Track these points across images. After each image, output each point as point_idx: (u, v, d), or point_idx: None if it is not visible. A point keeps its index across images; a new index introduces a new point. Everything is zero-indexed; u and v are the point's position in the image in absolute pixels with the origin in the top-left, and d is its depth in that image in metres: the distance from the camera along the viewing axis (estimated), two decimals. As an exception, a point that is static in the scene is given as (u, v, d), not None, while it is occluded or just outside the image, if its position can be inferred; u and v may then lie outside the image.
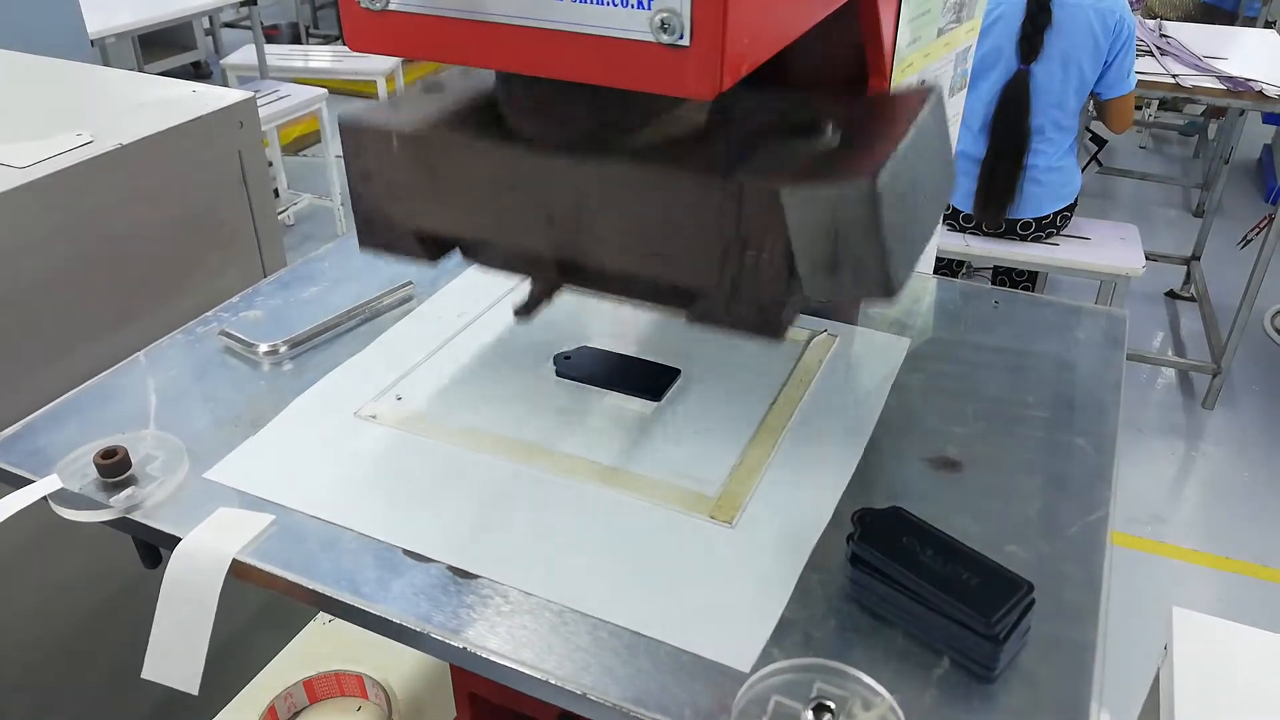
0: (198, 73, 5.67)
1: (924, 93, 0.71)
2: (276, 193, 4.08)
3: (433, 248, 0.75)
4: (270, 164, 4.07)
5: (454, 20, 0.61)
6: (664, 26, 0.56)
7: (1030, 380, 0.88)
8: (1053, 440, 0.80)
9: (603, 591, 0.65)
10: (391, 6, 0.63)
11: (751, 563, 0.68)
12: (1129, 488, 2.79)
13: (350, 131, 0.72)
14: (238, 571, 0.68)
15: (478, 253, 0.78)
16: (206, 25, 5.74)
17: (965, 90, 1.13)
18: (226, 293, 1.06)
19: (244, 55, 4.41)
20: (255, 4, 4.11)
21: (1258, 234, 3.10)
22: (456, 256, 0.78)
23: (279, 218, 3.90)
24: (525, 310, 0.74)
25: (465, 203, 0.71)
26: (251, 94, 1.38)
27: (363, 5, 0.64)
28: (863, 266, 0.60)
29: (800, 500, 0.73)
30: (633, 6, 0.56)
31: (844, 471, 0.76)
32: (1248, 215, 4.23)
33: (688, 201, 0.64)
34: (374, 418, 0.83)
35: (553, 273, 0.71)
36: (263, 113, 3.64)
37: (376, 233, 0.76)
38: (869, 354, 0.92)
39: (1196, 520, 2.76)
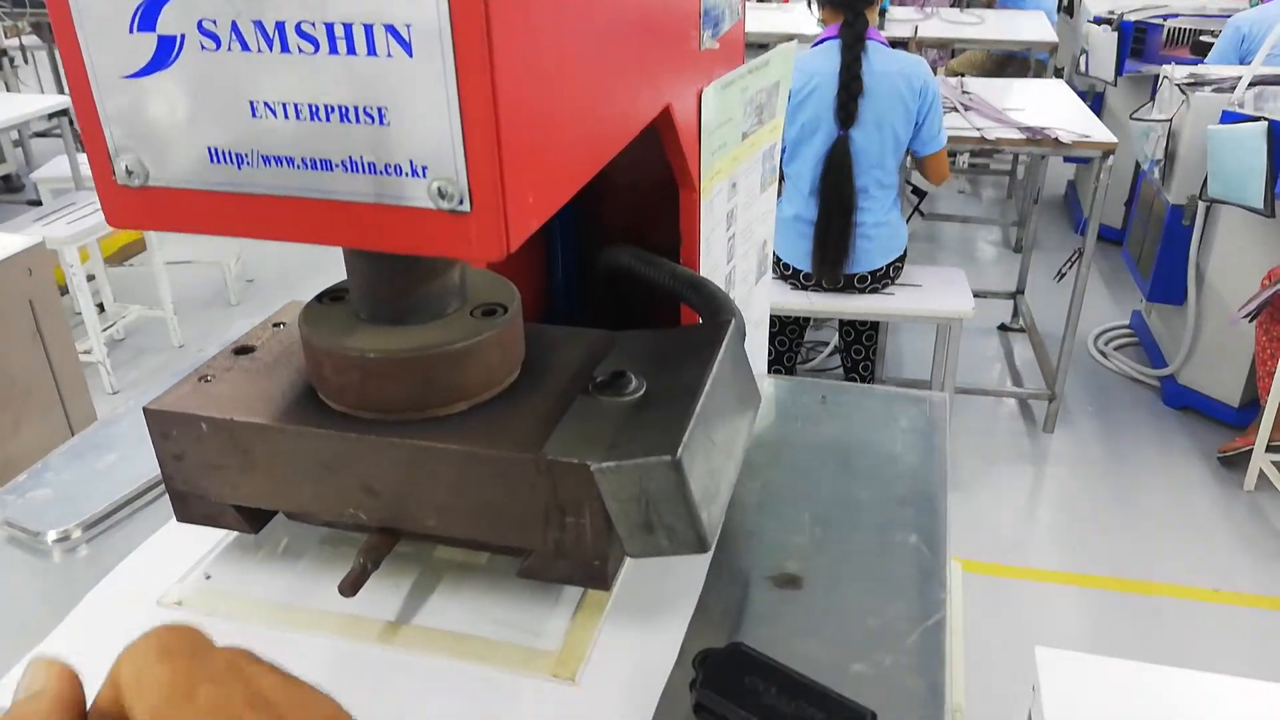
0: (8, 187, 5.33)
1: (723, 326, 0.73)
2: (101, 307, 3.83)
3: (254, 519, 0.75)
4: (93, 277, 3.84)
5: (223, 195, 0.57)
6: (442, 194, 0.53)
7: (862, 477, 0.89)
8: (888, 540, 0.81)
9: (438, 783, 0.61)
10: (152, 183, 0.59)
11: (597, 722, 0.65)
12: (987, 519, 2.91)
13: (156, 417, 0.70)
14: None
15: (303, 519, 0.78)
16: (15, 136, 5.42)
17: (775, 184, 1.17)
18: (28, 453, 0.96)
19: (56, 167, 4.18)
20: (66, 114, 3.91)
21: (1071, 267, 3.33)
22: None
23: (106, 332, 3.68)
24: (350, 589, 0.68)
25: (282, 480, 0.70)
26: (40, 239, 1.28)
27: (120, 183, 0.59)
28: (674, 531, 0.62)
29: (645, 642, 0.71)
30: (408, 175, 0.54)
31: (688, 603, 0.74)
32: (1063, 247, 4.56)
33: (503, 477, 0.65)
34: (179, 604, 0.76)
35: (377, 537, 0.71)
36: (80, 226, 3.43)
37: (192, 508, 0.74)
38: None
39: (1052, 540, 2.90)
